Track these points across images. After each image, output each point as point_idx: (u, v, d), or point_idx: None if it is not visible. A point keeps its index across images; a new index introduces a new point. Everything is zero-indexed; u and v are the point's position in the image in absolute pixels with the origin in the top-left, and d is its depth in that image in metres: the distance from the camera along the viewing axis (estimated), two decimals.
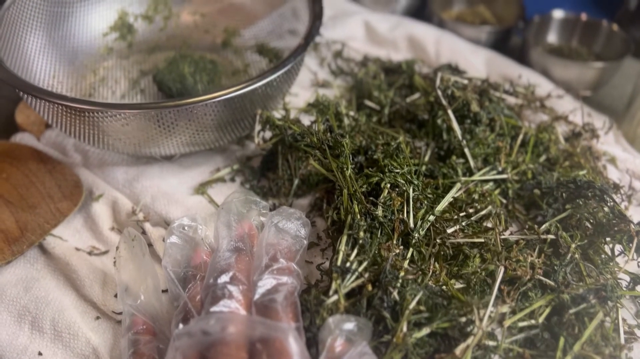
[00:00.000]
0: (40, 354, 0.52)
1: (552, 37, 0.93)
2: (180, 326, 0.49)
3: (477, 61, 0.87)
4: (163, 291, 0.56)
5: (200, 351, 0.43)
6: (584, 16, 0.91)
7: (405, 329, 0.48)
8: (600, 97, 0.88)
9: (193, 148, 0.66)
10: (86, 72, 0.79)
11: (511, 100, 0.76)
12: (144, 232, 0.63)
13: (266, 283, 0.50)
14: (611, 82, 0.89)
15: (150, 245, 0.61)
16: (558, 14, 0.92)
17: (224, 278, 0.49)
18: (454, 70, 0.80)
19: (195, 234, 0.56)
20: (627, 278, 0.57)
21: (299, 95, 0.81)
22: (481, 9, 1.00)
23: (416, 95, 0.76)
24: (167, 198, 0.65)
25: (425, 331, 0.49)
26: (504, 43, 0.95)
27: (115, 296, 0.57)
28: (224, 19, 0.88)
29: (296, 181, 0.65)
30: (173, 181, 0.68)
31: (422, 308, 0.49)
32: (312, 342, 0.48)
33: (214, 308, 0.47)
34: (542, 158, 0.68)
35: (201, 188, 0.67)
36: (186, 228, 0.56)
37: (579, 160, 0.67)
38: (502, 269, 0.52)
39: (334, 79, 0.87)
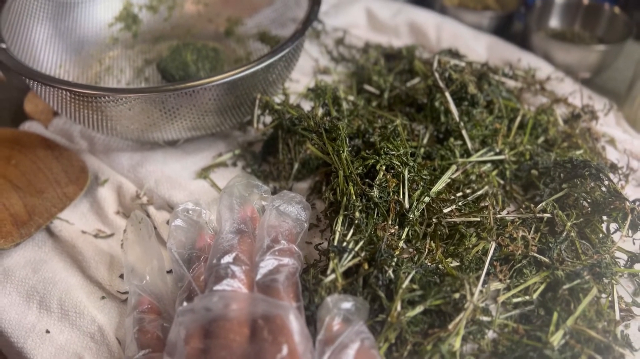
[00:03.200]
0: (47, 332, 0.54)
1: (554, 22, 0.93)
2: (185, 304, 0.50)
3: (479, 46, 0.88)
4: (168, 272, 0.58)
5: (203, 326, 0.44)
6: (585, 0, 0.91)
7: (399, 308, 0.49)
8: (603, 81, 0.88)
9: (195, 133, 0.67)
10: (92, 62, 0.81)
11: (511, 83, 0.76)
12: (148, 215, 0.64)
13: (268, 263, 0.51)
14: (614, 65, 0.89)
15: (154, 227, 0.63)
16: None
17: (227, 259, 0.50)
18: (454, 54, 0.81)
19: (199, 218, 0.57)
20: (626, 257, 0.58)
21: (300, 81, 0.82)
22: None
23: (416, 80, 0.76)
24: (170, 183, 0.66)
25: (419, 309, 0.50)
26: (506, 28, 0.95)
27: (121, 276, 0.59)
28: (227, 8, 0.89)
29: (296, 165, 0.67)
30: (176, 166, 0.69)
31: (414, 286, 0.50)
32: (311, 320, 0.49)
33: (217, 287, 0.48)
34: (541, 140, 0.68)
35: (204, 173, 0.68)
36: (190, 212, 0.57)
37: (577, 141, 0.67)
38: (493, 245, 0.53)
39: (335, 66, 0.87)
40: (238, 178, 0.60)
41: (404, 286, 0.50)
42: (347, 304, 0.48)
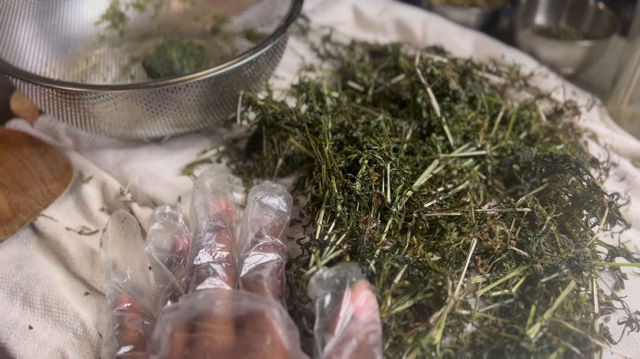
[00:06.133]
0: (30, 328, 0.54)
1: (540, 18, 0.93)
2: (169, 303, 0.50)
3: (464, 43, 0.88)
4: (150, 267, 0.58)
5: (189, 322, 0.44)
6: None
7: (389, 303, 0.49)
8: (589, 77, 0.88)
9: (180, 129, 0.67)
10: (78, 60, 0.81)
11: (495, 79, 0.76)
12: (131, 213, 0.64)
13: (252, 259, 0.51)
14: (601, 61, 0.89)
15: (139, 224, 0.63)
16: None
17: (207, 258, 0.51)
18: (439, 51, 0.81)
19: (177, 221, 0.57)
20: (606, 251, 0.58)
21: (286, 78, 0.83)
22: None
23: (401, 77, 0.77)
24: (154, 179, 0.67)
25: (409, 303, 0.50)
26: (493, 25, 0.96)
27: None
28: (214, 6, 0.89)
29: (280, 161, 0.67)
30: (161, 163, 0.69)
31: (403, 282, 0.51)
32: (295, 314, 0.50)
33: (200, 287, 0.48)
34: (523, 135, 0.69)
35: (188, 170, 0.69)
36: (167, 215, 0.57)
37: (558, 136, 0.68)
38: (474, 240, 0.53)
39: (321, 63, 0.88)
40: (208, 171, 0.60)
41: (396, 281, 0.50)
42: (330, 274, 0.46)
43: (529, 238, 0.55)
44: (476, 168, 0.64)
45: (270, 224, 0.54)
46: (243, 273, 0.50)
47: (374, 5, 0.96)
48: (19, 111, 0.78)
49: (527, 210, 0.58)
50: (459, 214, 0.56)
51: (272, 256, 0.52)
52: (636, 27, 0.73)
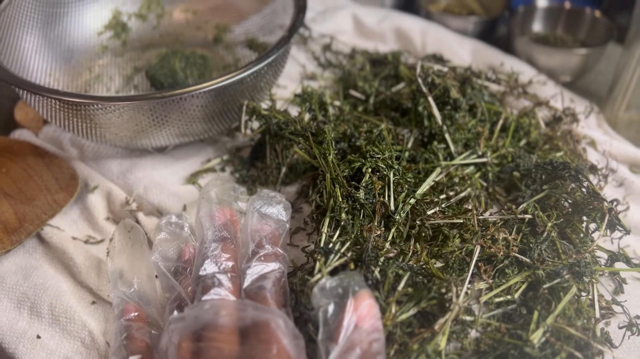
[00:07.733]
0: (38, 337, 0.55)
1: (537, 26, 0.95)
2: (175, 313, 0.51)
3: (463, 51, 0.89)
4: (156, 276, 0.58)
5: (195, 333, 0.44)
6: (567, 4, 0.93)
7: (393, 310, 0.50)
8: (585, 83, 0.89)
9: (184, 139, 0.68)
10: (82, 70, 0.81)
11: (494, 87, 0.77)
12: (137, 222, 0.65)
13: (254, 270, 0.51)
14: (597, 69, 0.91)
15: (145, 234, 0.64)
16: (542, 3, 0.94)
17: (213, 268, 0.51)
18: (438, 59, 0.82)
19: (182, 230, 0.58)
20: (606, 256, 0.59)
21: (288, 87, 0.84)
22: (468, 0, 1.02)
23: (401, 85, 0.78)
24: (159, 188, 0.67)
25: (413, 311, 0.51)
26: (491, 33, 0.97)
27: None
28: (216, 16, 0.90)
29: (283, 170, 0.68)
30: (165, 172, 0.70)
31: (407, 289, 0.51)
32: (300, 322, 0.50)
33: (205, 297, 0.49)
34: (523, 143, 0.70)
35: (192, 178, 0.69)
36: (173, 224, 0.58)
37: (557, 143, 0.69)
38: (478, 247, 0.54)
39: (322, 71, 0.89)
40: (212, 181, 0.60)
41: (400, 288, 0.51)
42: (333, 283, 0.46)
43: (531, 245, 0.56)
44: (477, 175, 0.65)
45: (270, 233, 0.55)
46: (246, 284, 0.50)
47: (374, 14, 0.97)
48: (24, 121, 0.79)
49: (528, 216, 0.59)
50: (462, 221, 0.57)
51: (273, 265, 0.52)
52: (632, 35, 0.74)
